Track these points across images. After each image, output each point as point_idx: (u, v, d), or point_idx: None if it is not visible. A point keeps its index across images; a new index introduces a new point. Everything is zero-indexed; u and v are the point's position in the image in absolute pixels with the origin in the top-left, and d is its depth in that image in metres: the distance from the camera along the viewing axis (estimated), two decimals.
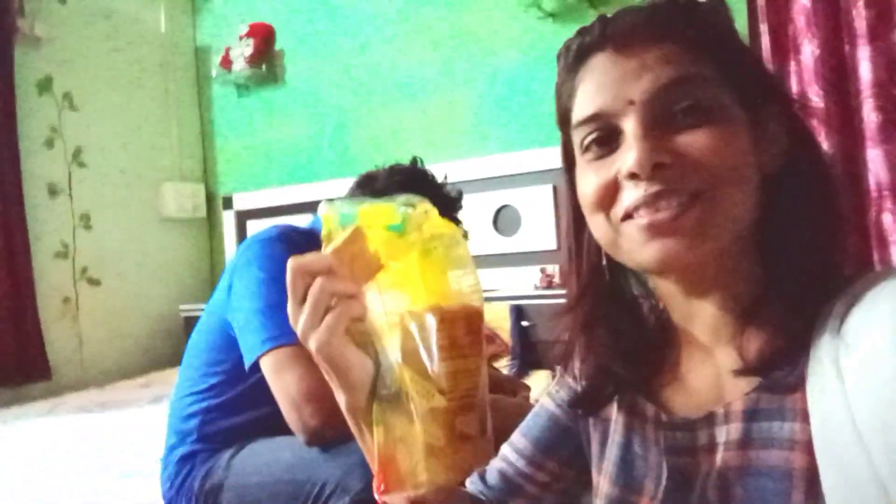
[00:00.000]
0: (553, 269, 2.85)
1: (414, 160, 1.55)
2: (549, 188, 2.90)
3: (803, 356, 0.52)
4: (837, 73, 2.28)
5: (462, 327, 0.54)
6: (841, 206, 0.58)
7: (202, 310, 1.52)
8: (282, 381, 1.21)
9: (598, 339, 0.67)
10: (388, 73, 3.42)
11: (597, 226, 0.60)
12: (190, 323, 3.53)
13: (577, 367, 0.73)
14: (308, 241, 1.43)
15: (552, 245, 2.91)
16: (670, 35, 0.56)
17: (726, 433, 0.57)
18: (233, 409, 1.37)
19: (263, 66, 3.74)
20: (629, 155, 0.55)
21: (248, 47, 3.71)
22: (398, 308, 0.55)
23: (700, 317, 0.62)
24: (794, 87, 2.36)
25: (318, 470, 1.18)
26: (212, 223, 4.05)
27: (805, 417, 0.51)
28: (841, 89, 2.28)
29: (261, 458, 1.29)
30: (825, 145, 2.18)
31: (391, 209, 0.56)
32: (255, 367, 1.26)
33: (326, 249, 0.56)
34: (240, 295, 1.32)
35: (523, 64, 3.07)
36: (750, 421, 0.56)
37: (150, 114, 3.79)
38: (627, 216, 0.56)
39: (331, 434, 1.18)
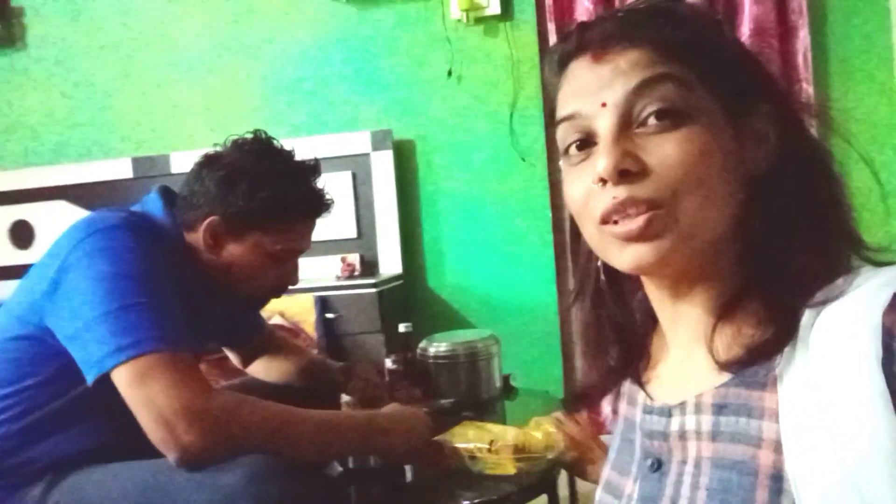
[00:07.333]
0: (353, 257, 2.78)
1: (256, 132, 1.37)
2: (347, 175, 2.82)
3: (780, 355, 0.53)
4: None
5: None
6: (838, 205, 0.58)
7: None
8: (145, 393, 1.00)
9: (592, 342, 0.71)
10: (159, 44, 3.07)
11: (585, 229, 0.62)
12: None
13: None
14: (151, 227, 1.22)
15: (352, 234, 2.83)
16: (643, 39, 0.57)
17: (696, 423, 0.58)
18: (44, 434, 1.12)
19: None
20: (600, 161, 0.56)
21: None
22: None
23: (685, 317, 0.62)
24: None
25: (187, 497, 0.99)
26: None
27: (775, 417, 0.52)
28: None
29: (96, 490, 1.06)
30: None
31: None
32: (98, 381, 1.04)
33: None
34: (78, 296, 1.07)
35: (316, 46, 2.94)
36: (718, 414, 0.57)
37: None
38: (604, 221, 0.57)
39: (212, 452, 1.00)
